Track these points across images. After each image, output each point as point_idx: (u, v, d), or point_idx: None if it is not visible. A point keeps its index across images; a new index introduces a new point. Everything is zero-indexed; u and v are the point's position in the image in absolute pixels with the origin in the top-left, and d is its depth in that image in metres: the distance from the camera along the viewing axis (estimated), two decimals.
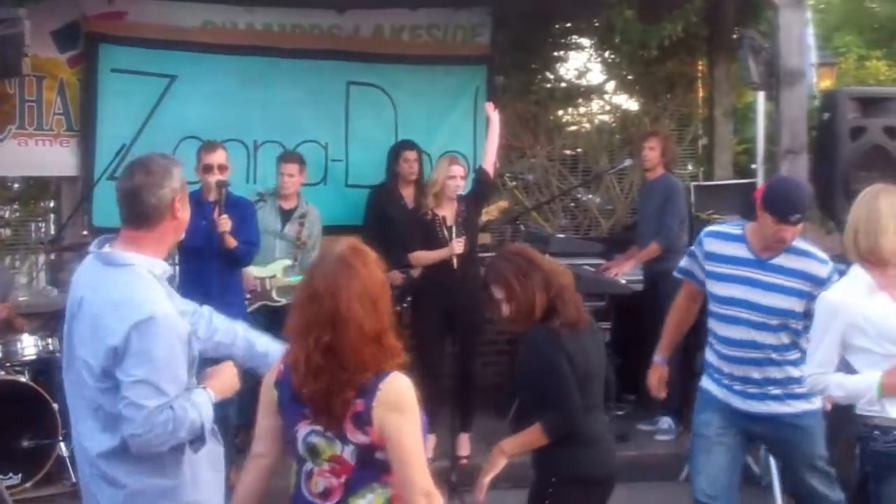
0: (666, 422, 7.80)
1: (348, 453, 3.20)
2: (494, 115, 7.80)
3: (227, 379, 3.79)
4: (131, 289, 3.48)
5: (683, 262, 5.30)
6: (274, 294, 7.73)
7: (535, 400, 4.33)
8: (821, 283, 4.91)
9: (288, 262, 7.79)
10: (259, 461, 3.42)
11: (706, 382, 5.28)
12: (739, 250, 4.99)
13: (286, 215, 7.88)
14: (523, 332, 4.52)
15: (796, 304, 4.94)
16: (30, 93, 8.15)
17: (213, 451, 3.70)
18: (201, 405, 3.55)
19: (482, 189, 7.78)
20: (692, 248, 5.25)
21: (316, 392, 3.16)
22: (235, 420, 7.29)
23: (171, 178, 3.63)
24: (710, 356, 5.28)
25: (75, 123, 8.32)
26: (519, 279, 4.35)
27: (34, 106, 8.19)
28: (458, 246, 7.26)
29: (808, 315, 4.82)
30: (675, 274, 5.37)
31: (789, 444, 5.12)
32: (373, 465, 3.22)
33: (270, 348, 3.96)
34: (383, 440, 3.16)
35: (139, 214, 3.56)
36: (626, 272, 8.13)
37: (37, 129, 8.21)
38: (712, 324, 5.19)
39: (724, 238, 5.07)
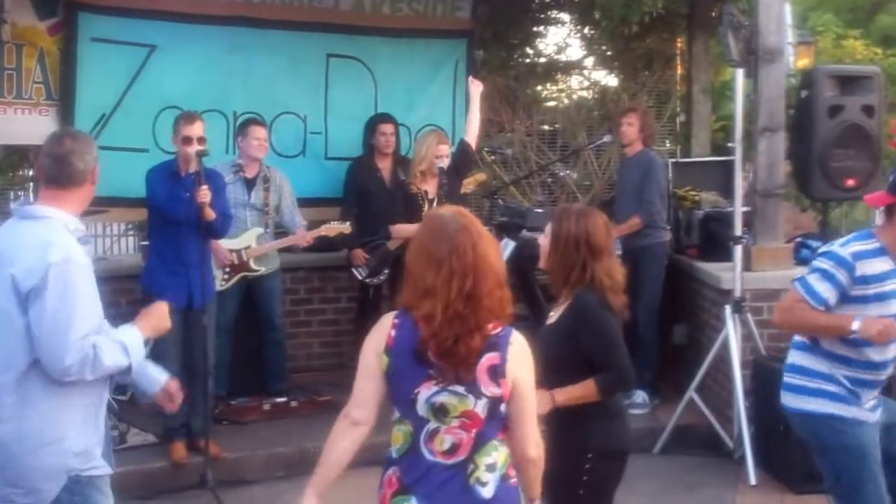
0: (640, 395, 7.85)
1: (480, 407, 3.33)
2: (475, 90, 7.81)
3: (157, 318, 4.14)
4: (48, 234, 3.80)
5: (822, 291, 4.52)
6: (252, 264, 7.77)
7: (581, 361, 4.29)
8: None
9: (259, 230, 7.81)
10: (360, 429, 3.44)
11: (846, 410, 4.62)
12: (886, 264, 4.54)
13: (250, 184, 7.87)
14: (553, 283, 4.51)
15: None
16: (9, 61, 8.03)
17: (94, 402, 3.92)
18: (128, 342, 3.87)
19: (463, 161, 7.81)
20: (829, 271, 4.52)
21: (446, 339, 3.28)
22: (214, 390, 7.34)
23: (93, 147, 4.12)
24: (841, 386, 4.63)
25: (55, 92, 8.21)
26: (568, 240, 4.36)
27: (13, 74, 8.07)
28: None
29: None
30: (814, 304, 4.53)
31: None
32: (496, 418, 3.37)
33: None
34: (511, 391, 3.35)
35: (68, 175, 3.94)
36: None
37: (16, 98, 8.10)
38: (859, 352, 4.58)
39: (871, 255, 4.54)
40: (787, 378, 4.81)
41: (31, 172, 9.01)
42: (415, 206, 7.48)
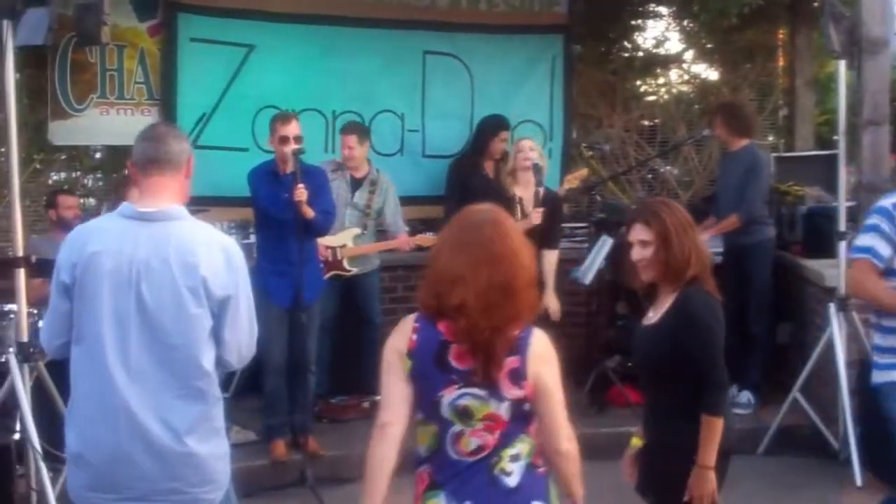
0: (745, 395, 7.72)
1: (503, 410, 3.32)
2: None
3: None
4: (212, 233, 3.88)
5: (879, 248, 4.70)
6: (345, 263, 7.80)
7: (678, 361, 4.11)
8: None
9: (357, 230, 7.83)
10: (391, 430, 3.39)
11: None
12: None
13: (356, 184, 7.90)
14: (652, 285, 4.30)
15: None
16: (111, 62, 8.22)
17: None
18: None
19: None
20: (877, 224, 4.72)
21: (482, 331, 3.25)
22: (315, 390, 7.39)
23: (187, 140, 3.98)
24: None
25: (156, 93, 8.37)
26: (678, 232, 4.16)
27: (115, 75, 8.25)
28: (536, 217, 7.22)
29: None
30: (855, 254, 4.86)
31: None
32: (521, 418, 3.36)
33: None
34: (535, 392, 3.32)
35: (166, 153, 3.83)
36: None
37: (118, 99, 8.28)
38: None
39: None
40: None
41: None
42: (509, 209, 7.33)
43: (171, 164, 3.81)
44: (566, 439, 3.38)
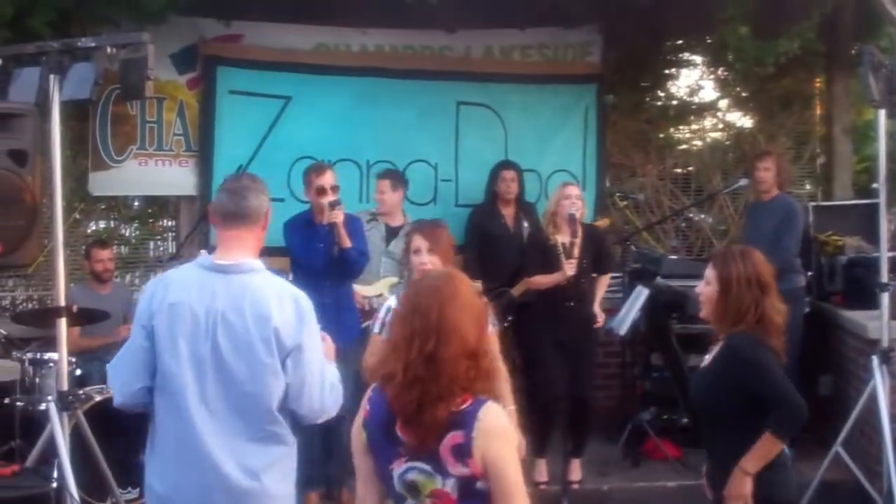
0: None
1: (450, 486, 3.15)
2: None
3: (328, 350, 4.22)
4: (284, 285, 4.02)
5: None
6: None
7: (742, 407, 4.20)
8: None
9: (394, 279, 7.80)
10: None
11: None
12: None
13: (392, 233, 7.90)
14: (715, 329, 4.44)
15: None
16: (150, 114, 8.36)
17: None
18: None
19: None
20: None
21: (408, 405, 3.16)
22: (348, 441, 7.32)
23: (267, 192, 4.10)
24: None
25: (194, 144, 8.51)
26: (741, 284, 4.27)
27: (154, 127, 8.40)
28: (569, 268, 7.16)
29: None
30: None
31: None
32: (474, 496, 3.16)
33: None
34: (485, 470, 3.13)
35: (245, 209, 3.98)
36: None
37: (157, 150, 8.42)
38: None
39: None
40: None
41: (171, 223, 9.23)
42: (552, 257, 7.31)
43: (249, 218, 3.98)
44: None
